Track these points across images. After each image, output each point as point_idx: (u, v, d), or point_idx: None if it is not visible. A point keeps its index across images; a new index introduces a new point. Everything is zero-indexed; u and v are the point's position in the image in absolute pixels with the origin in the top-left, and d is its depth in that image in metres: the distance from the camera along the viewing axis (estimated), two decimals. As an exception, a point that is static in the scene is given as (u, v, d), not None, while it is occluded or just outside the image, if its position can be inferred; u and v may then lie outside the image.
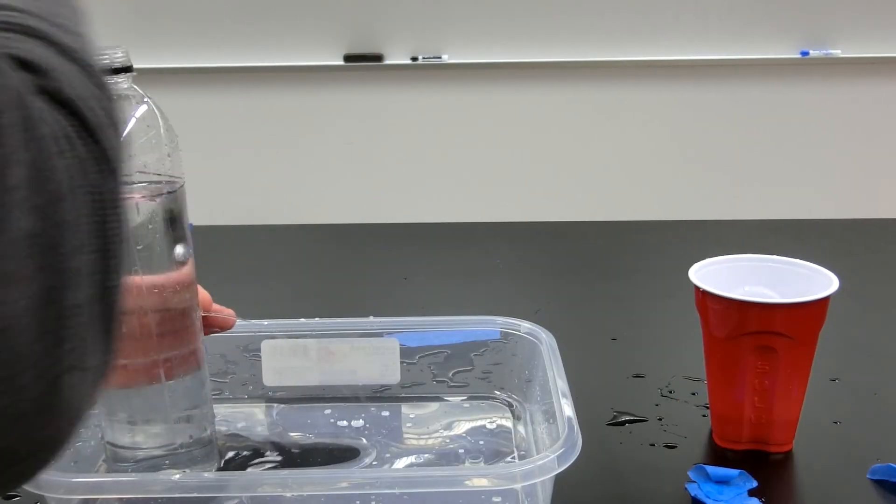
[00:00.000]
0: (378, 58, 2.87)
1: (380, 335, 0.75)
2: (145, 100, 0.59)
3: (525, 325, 0.75)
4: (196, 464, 0.64)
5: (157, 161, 0.59)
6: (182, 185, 0.61)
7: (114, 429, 0.62)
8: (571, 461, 0.56)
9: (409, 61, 2.86)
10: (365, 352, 0.75)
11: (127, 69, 0.59)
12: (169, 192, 0.60)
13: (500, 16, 2.82)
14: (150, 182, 0.59)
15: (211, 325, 0.67)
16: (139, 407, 0.61)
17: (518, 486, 0.61)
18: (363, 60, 2.87)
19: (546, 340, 0.72)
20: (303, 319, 0.76)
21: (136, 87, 0.59)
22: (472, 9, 2.82)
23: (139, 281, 0.59)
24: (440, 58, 2.85)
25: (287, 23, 2.85)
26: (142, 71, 0.61)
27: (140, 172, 0.59)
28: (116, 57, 0.58)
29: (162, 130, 0.59)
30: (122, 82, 0.58)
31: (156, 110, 0.59)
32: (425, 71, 2.88)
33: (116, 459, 0.62)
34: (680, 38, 2.81)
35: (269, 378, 0.75)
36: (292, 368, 0.75)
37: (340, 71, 2.88)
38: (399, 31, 2.85)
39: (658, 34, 2.81)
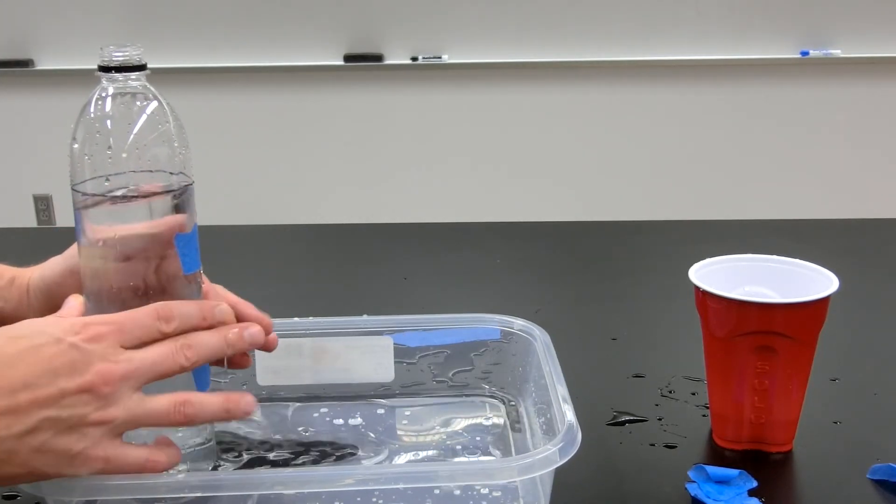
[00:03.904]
0: (378, 58, 2.87)
1: (379, 335, 0.75)
2: (157, 98, 0.60)
3: (518, 323, 0.75)
4: (195, 463, 0.64)
5: (167, 159, 0.59)
6: (192, 184, 0.61)
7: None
8: (572, 454, 0.56)
9: (409, 61, 2.86)
10: (359, 350, 0.75)
11: (140, 67, 0.59)
12: (179, 190, 0.60)
13: (500, 16, 2.82)
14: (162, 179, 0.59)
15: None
16: None
17: (518, 479, 0.61)
18: (363, 60, 2.87)
19: (540, 337, 0.72)
20: (296, 319, 0.76)
21: (148, 85, 0.60)
22: (472, 9, 2.82)
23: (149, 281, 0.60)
24: (440, 58, 2.85)
25: (287, 23, 2.85)
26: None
27: (150, 171, 0.59)
28: (130, 55, 0.59)
29: (173, 128, 0.60)
30: (135, 80, 0.59)
31: (167, 109, 0.60)
32: (425, 71, 2.88)
33: None
34: (680, 38, 2.82)
35: (264, 377, 0.75)
36: (286, 368, 0.75)
37: (340, 71, 2.89)
38: (399, 31, 2.85)
39: (658, 34, 2.81)
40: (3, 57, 2.90)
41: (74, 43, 2.86)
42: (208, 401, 0.57)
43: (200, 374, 0.62)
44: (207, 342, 0.57)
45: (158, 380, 0.56)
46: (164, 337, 0.56)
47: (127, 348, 0.55)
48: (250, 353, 0.69)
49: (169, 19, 2.83)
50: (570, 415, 0.60)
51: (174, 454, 0.57)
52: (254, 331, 0.60)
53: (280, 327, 0.73)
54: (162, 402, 0.55)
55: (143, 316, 0.56)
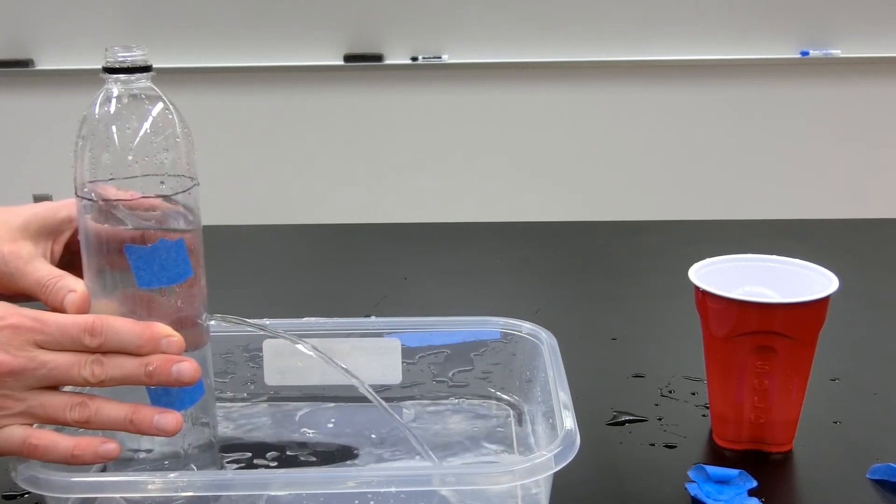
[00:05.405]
0: (378, 58, 2.87)
1: (380, 335, 0.75)
2: (163, 100, 0.59)
3: (526, 326, 0.75)
4: (198, 467, 0.64)
5: (173, 161, 0.59)
6: (197, 186, 0.61)
7: (118, 433, 0.61)
8: (569, 460, 0.56)
9: (409, 61, 2.86)
10: (366, 352, 0.75)
11: (146, 69, 0.59)
12: (184, 192, 0.60)
13: (500, 16, 2.81)
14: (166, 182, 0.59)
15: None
16: None
17: (515, 483, 0.61)
18: (363, 60, 2.87)
19: (546, 340, 0.73)
20: (305, 319, 0.76)
21: (154, 86, 0.59)
22: (472, 9, 2.82)
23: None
24: (440, 58, 2.85)
25: (287, 23, 2.85)
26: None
27: (156, 174, 0.59)
28: (136, 56, 0.58)
29: (178, 130, 0.59)
30: (140, 82, 0.58)
31: (173, 111, 0.59)
32: (425, 71, 2.88)
33: (118, 462, 0.62)
34: (680, 38, 2.81)
35: (271, 378, 0.76)
36: (293, 368, 0.75)
37: (340, 71, 2.88)
38: (399, 31, 2.85)
39: (658, 34, 2.81)
40: (3, 57, 2.90)
41: (74, 43, 2.86)
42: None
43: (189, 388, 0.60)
44: (123, 365, 0.56)
45: (60, 385, 0.56)
46: (87, 350, 0.56)
47: (42, 348, 0.55)
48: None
49: (169, 19, 2.83)
50: (569, 419, 0.60)
51: (97, 449, 0.57)
52: (182, 367, 0.57)
53: (287, 328, 0.73)
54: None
55: (70, 324, 0.56)
